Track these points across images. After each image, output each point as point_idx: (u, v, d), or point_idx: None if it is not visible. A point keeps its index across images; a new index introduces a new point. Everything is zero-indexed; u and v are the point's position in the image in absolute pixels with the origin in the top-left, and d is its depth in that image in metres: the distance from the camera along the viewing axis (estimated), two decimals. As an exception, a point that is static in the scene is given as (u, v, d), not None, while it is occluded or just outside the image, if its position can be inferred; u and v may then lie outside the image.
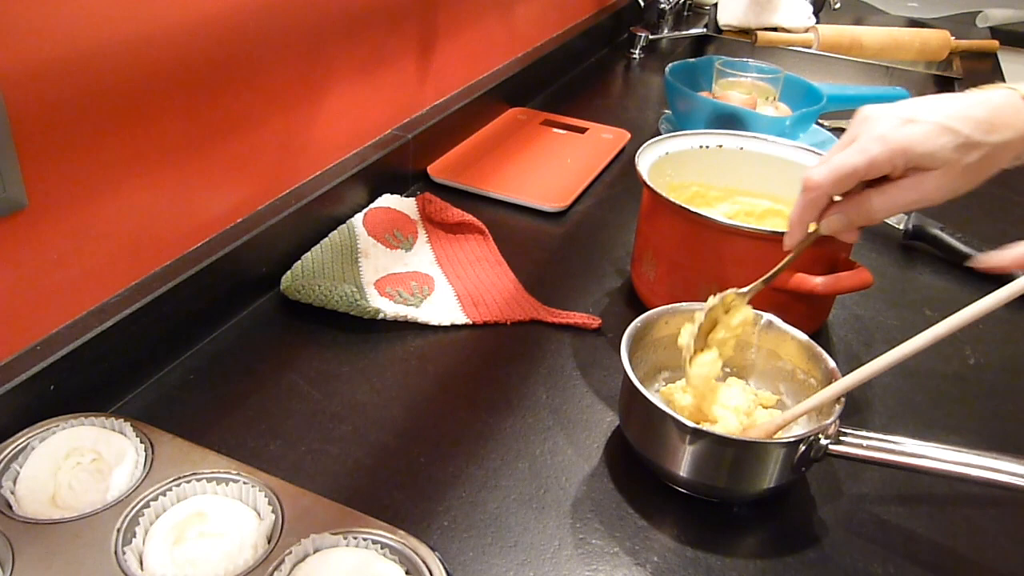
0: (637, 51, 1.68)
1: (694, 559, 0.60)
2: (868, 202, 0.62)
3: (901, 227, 1.02)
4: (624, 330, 0.67)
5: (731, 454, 0.60)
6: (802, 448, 0.60)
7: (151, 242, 0.72)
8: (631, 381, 0.62)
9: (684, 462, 0.61)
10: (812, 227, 0.66)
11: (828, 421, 0.60)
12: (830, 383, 0.63)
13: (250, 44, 0.77)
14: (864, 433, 0.61)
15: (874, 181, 0.61)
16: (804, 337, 0.69)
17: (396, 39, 1.00)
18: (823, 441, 0.60)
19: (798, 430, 0.65)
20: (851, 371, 0.60)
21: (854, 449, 0.61)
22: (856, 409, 0.75)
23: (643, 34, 1.69)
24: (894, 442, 0.61)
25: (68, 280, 0.65)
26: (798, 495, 0.65)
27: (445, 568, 0.52)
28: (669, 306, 0.70)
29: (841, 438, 0.61)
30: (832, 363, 0.65)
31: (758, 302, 0.72)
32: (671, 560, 0.59)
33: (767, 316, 0.70)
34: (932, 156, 0.58)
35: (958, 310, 0.56)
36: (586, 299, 0.87)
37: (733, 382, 0.70)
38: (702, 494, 0.63)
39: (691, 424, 0.59)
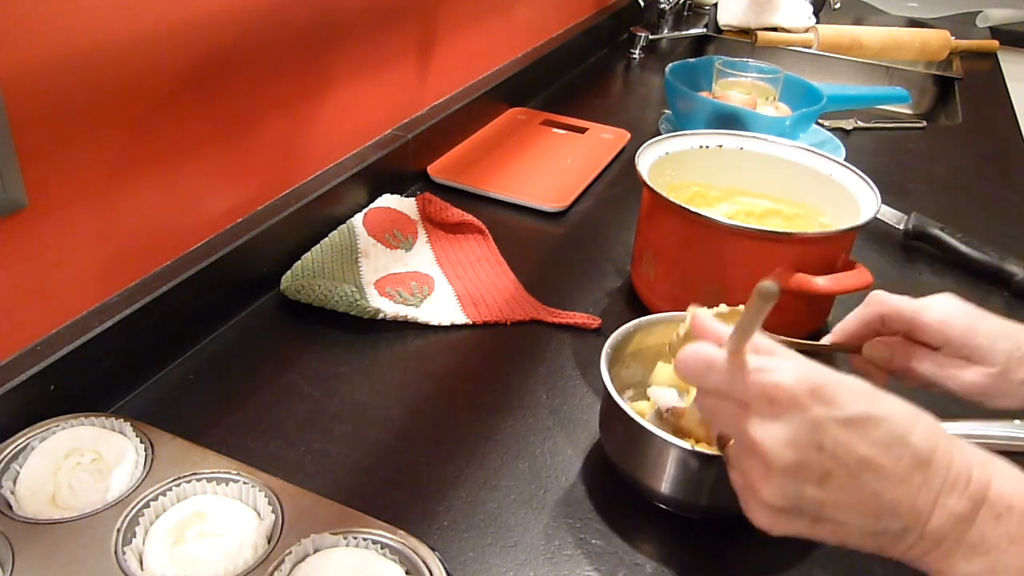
0: (637, 51, 1.68)
1: (695, 559, 0.60)
2: (913, 353, 0.61)
3: (901, 227, 1.02)
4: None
5: (714, 473, 0.58)
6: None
7: (151, 242, 0.72)
8: (611, 395, 0.61)
9: (665, 481, 0.59)
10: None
11: None
12: None
13: (250, 44, 0.77)
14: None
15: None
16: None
17: (396, 39, 1.00)
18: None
19: None
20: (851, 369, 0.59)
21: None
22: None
23: (643, 34, 1.69)
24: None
25: (68, 280, 0.65)
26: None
27: (445, 568, 0.52)
28: (652, 316, 0.69)
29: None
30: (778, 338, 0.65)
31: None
32: (671, 560, 0.59)
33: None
34: (985, 353, 0.57)
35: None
36: (586, 299, 0.87)
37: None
38: (688, 512, 0.62)
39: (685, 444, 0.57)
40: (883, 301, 0.62)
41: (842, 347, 0.66)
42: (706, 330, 0.49)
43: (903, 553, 0.44)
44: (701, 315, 0.50)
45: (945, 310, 0.59)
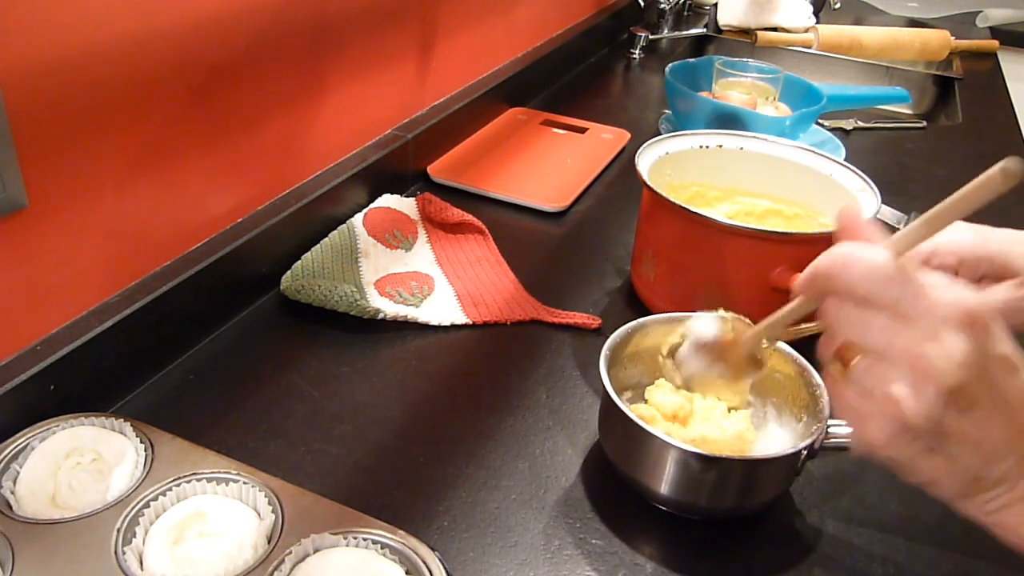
0: (637, 51, 1.68)
1: (694, 559, 0.60)
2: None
3: (901, 227, 1.02)
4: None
5: (714, 474, 0.58)
6: (802, 455, 0.60)
7: (151, 242, 0.72)
8: (611, 397, 0.61)
9: (665, 481, 0.59)
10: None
11: (819, 432, 0.59)
12: (799, 374, 0.63)
13: (250, 44, 0.77)
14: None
15: None
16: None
17: (396, 39, 1.00)
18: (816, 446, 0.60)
19: (783, 437, 0.65)
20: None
21: (844, 440, 0.61)
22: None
23: (643, 34, 1.69)
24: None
25: (68, 280, 0.65)
26: (799, 492, 0.65)
27: (445, 568, 0.52)
28: (652, 316, 0.69)
29: (829, 430, 0.61)
30: (793, 352, 0.65)
31: (756, 301, 0.71)
32: (671, 560, 0.59)
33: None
34: (1007, 260, 0.54)
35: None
36: (586, 299, 0.87)
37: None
38: (687, 513, 0.62)
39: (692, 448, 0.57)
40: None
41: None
42: (858, 228, 0.44)
43: (982, 505, 0.43)
44: (850, 212, 0.45)
45: (952, 232, 0.57)
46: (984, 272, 0.56)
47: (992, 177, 0.39)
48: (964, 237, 0.56)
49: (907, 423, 0.41)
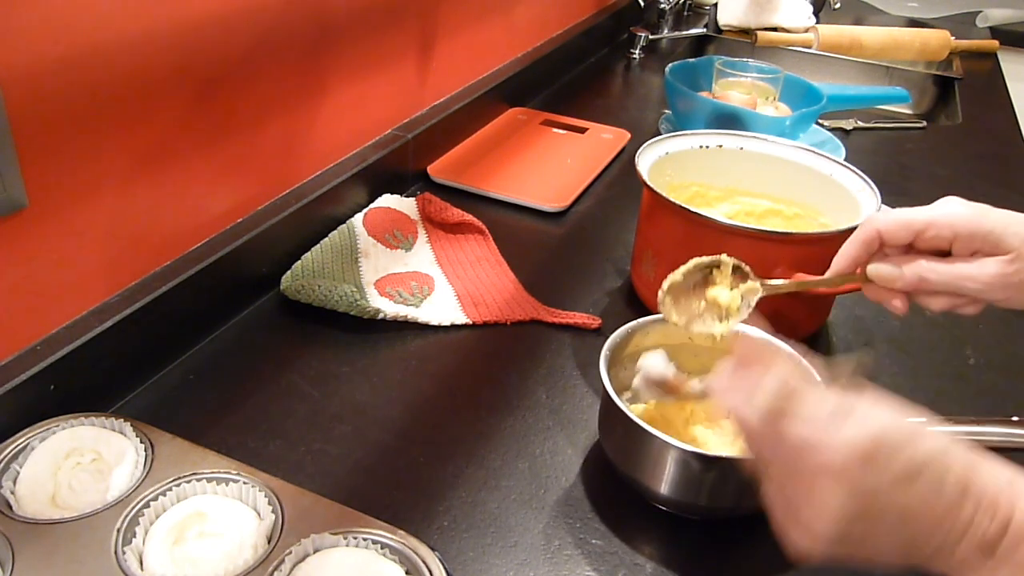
0: (637, 51, 1.68)
1: (694, 559, 0.60)
2: (921, 265, 0.57)
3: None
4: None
5: (714, 474, 0.58)
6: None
7: (151, 242, 0.72)
8: (610, 397, 0.61)
9: (665, 481, 0.59)
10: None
11: None
12: (800, 376, 0.63)
13: (250, 44, 0.77)
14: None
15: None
16: (759, 333, 0.68)
17: (396, 39, 1.00)
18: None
19: None
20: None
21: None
22: (856, 409, 0.75)
23: (643, 34, 1.69)
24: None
25: (68, 280, 0.65)
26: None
27: (445, 568, 0.52)
28: (652, 316, 0.69)
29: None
30: (794, 352, 0.65)
31: (758, 302, 0.71)
32: (671, 560, 0.59)
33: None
34: (1000, 239, 0.55)
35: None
36: (586, 299, 0.87)
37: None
38: (687, 513, 0.62)
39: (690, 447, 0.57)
40: (877, 217, 0.59)
41: (846, 279, 0.62)
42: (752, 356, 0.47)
43: (928, 567, 0.44)
44: (748, 343, 0.48)
45: (945, 205, 0.57)
46: (977, 248, 0.55)
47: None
48: (960, 212, 0.56)
49: (820, 538, 0.43)
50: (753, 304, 0.65)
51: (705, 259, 0.64)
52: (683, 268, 0.64)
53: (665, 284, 0.63)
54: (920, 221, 0.57)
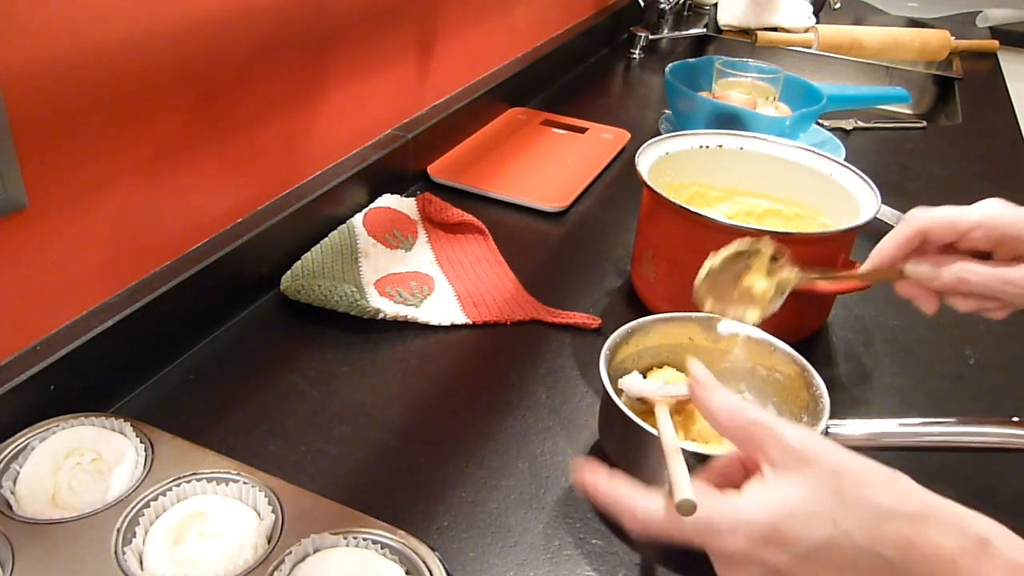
0: (637, 51, 1.68)
1: (694, 559, 0.60)
2: (962, 267, 0.56)
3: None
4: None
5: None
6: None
7: (151, 242, 0.72)
8: (610, 396, 0.61)
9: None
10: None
11: (818, 432, 0.59)
12: (799, 374, 0.64)
13: (250, 44, 0.77)
14: (849, 422, 0.62)
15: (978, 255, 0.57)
16: (760, 333, 0.68)
17: (396, 39, 1.00)
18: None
19: None
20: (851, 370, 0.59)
21: (843, 441, 0.61)
22: (856, 410, 0.75)
23: (643, 34, 1.69)
24: (880, 425, 0.62)
25: (68, 280, 0.65)
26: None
27: (445, 568, 0.52)
28: (652, 316, 0.69)
29: (829, 431, 0.61)
30: (793, 352, 0.65)
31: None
32: (671, 560, 0.59)
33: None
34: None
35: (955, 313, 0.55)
36: (586, 299, 0.87)
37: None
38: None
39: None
40: (922, 215, 0.57)
41: (881, 275, 0.61)
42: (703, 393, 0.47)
43: None
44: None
45: (991, 207, 0.56)
46: (1021, 253, 0.55)
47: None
48: (1007, 215, 0.55)
49: None
50: (787, 293, 0.64)
51: (745, 244, 0.64)
52: (722, 254, 0.64)
53: (703, 272, 0.64)
54: (966, 222, 0.56)
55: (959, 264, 0.57)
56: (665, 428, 0.58)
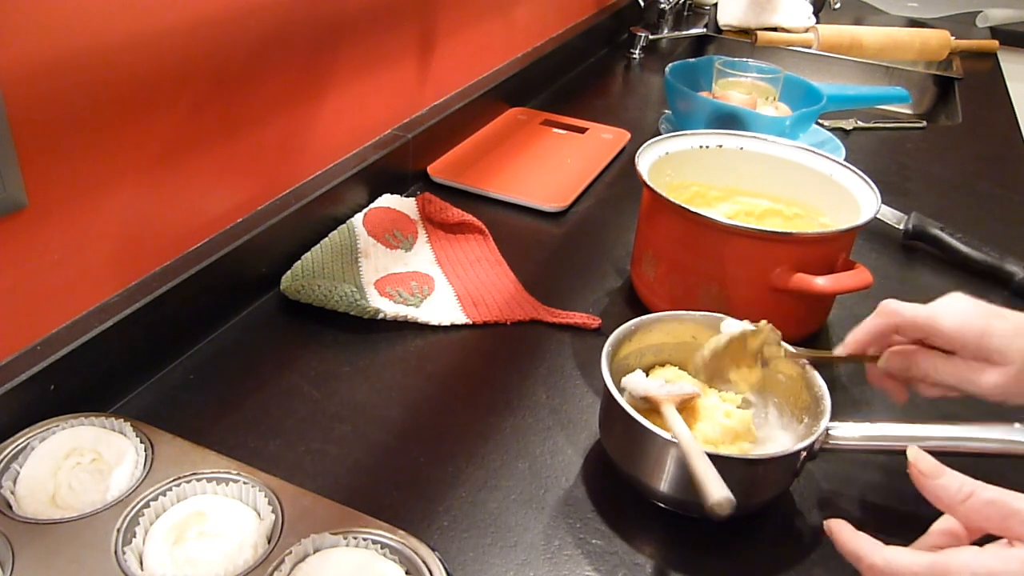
0: (637, 51, 1.68)
1: (695, 559, 0.60)
2: (930, 360, 0.61)
3: (901, 227, 1.02)
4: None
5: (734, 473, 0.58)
6: (801, 457, 0.60)
7: (151, 242, 0.72)
8: (612, 396, 0.61)
9: (665, 480, 0.59)
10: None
11: (818, 433, 0.60)
12: (800, 375, 0.64)
13: (250, 44, 0.77)
14: (849, 424, 0.62)
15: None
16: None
17: (396, 39, 1.00)
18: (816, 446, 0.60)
19: (784, 438, 0.65)
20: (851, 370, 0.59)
21: (843, 442, 0.61)
22: (856, 410, 0.75)
23: (643, 34, 1.69)
24: (881, 426, 0.62)
25: (68, 280, 0.65)
26: (799, 492, 0.65)
27: (445, 568, 0.52)
28: (652, 316, 0.69)
29: (829, 432, 0.61)
30: (804, 361, 0.65)
31: (756, 301, 0.71)
32: (671, 560, 0.59)
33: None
34: (1003, 353, 0.58)
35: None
36: (586, 299, 0.87)
37: (702, 388, 0.68)
38: (688, 512, 0.62)
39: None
40: (895, 311, 0.62)
41: (857, 358, 0.66)
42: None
43: None
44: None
45: (959, 314, 0.59)
46: (984, 358, 0.59)
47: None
48: (971, 328, 0.59)
49: None
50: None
51: (738, 329, 0.66)
52: (722, 341, 0.66)
53: (707, 351, 0.66)
54: (934, 332, 0.60)
55: (927, 361, 0.61)
56: (681, 430, 0.58)
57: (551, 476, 0.65)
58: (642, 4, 1.77)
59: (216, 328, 0.78)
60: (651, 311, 0.74)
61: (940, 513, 0.57)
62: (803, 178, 0.88)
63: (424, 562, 0.52)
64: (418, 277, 0.87)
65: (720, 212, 0.88)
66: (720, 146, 0.90)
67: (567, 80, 1.52)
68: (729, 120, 1.14)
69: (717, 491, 0.51)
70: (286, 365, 0.74)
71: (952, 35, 1.78)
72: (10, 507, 0.55)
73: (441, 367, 0.76)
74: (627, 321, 0.68)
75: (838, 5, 1.78)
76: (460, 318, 0.82)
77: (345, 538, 0.53)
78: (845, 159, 0.89)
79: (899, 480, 0.67)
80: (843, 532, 0.51)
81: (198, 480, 0.57)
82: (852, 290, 0.74)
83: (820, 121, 1.29)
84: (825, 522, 0.53)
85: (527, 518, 0.61)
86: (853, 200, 0.82)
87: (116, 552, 0.52)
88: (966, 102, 1.58)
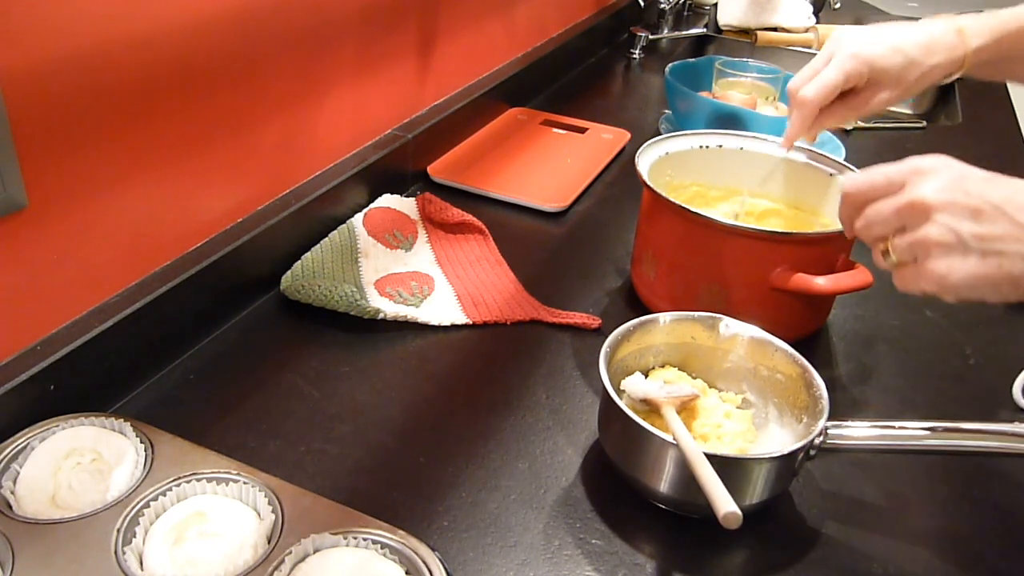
0: (637, 51, 1.68)
1: (695, 559, 0.60)
2: (843, 110, 0.79)
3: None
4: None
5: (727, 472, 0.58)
6: (800, 456, 0.60)
7: (151, 242, 0.72)
8: (610, 395, 0.61)
9: (665, 480, 0.60)
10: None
11: (816, 432, 0.60)
12: (800, 375, 0.64)
13: (250, 44, 0.77)
14: (848, 424, 0.62)
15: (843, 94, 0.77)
16: (761, 334, 0.68)
17: (396, 39, 1.00)
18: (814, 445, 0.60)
19: (783, 438, 0.65)
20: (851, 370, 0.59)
21: (842, 441, 0.61)
22: (856, 410, 0.75)
23: (643, 34, 1.69)
24: (880, 426, 0.62)
25: (68, 280, 0.65)
26: (799, 492, 0.65)
27: (445, 568, 0.52)
28: (652, 316, 0.69)
29: (828, 432, 0.61)
30: (794, 352, 0.65)
31: (756, 301, 0.71)
32: (671, 560, 0.59)
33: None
34: (886, 72, 0.75)
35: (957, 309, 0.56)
36: (586, 299, 0.87)
37: (702, 389, 0.69)
38: (687, 512, 0.62)
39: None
40: (812, 97, 0.79)
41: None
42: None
43: None
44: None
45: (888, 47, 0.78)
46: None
47: None
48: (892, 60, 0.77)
49: (942, 243, 0.52)
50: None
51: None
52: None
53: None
54: (842, 82, 0.78)
55: (840, 110, 0.81)
56: (683, 435, 0.58)
57: (551, 476, 0.65)
58: (642, 4, 1.77)
59: (216, 328, 0.78)
60: (651, 311, 0.74)
61: (944, 518, 0.58)
62: (803, 178, 0.88)
63: (424, 562, 0.52)
64: (418, 277, 0.87)
65: (720, 212, 0.89)
66: (720, 146, 0.90)
67: (567, 80, 1.52)
68: (729, 120, 1.14)
69: (725, 505, 0.51)
70: (286, 365, 0.74)
71: (952, 35, 1.78)
72: (10, 507, 0.55)
73: (441, 367, 0.76)
74: (627, 322, 0.68)
75: (838, 5, 1.78)
76: (460, 318, 0.82)
77: (345, 538, 0.53)
78: (845, 159, 0.89)
79: (899, 480, 0.67)
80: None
81: (198, 480, 0.57)
82: (852, 290, 0.74)
83: (820, 121, 1.29)
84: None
85: (527, 518, 0.61)
86: (853, 200, 0.82)
87: (116, 552, 0.52)
88: (966, 102, 1.58)
